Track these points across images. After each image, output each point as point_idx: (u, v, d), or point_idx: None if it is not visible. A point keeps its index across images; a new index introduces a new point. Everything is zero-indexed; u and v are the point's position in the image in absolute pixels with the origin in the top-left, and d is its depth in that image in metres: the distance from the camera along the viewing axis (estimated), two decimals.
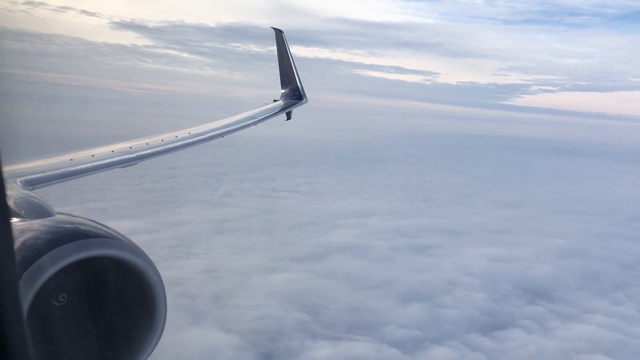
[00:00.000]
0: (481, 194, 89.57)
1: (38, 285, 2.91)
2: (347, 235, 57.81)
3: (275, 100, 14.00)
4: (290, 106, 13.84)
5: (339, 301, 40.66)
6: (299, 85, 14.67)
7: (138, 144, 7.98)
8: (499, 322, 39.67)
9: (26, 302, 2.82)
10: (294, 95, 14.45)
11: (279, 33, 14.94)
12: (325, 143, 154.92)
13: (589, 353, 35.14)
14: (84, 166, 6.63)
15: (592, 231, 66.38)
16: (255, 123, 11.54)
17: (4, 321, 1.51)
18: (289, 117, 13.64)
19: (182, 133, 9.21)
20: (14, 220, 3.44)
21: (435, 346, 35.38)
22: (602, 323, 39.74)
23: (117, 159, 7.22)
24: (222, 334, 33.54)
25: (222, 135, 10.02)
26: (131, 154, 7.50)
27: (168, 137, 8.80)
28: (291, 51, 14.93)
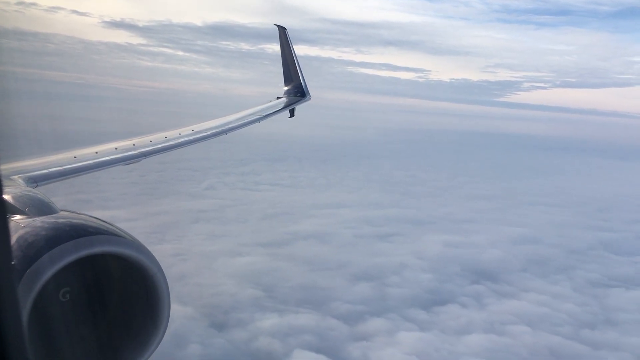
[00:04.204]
0: (458, 188, 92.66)
1: (41, 282, 2.90)
2: (316, 224, 61.14)
3: (278, 98, 14.13)
4: (293, 103, 13.78)
5: (294, 280, 44.18)
6: (302, 82, 14.49)
7: (141, 141, 8.03)
8: (439, 298, 43.07)
9: (29, 299, 2.81)
10: (297, 92, 14.35)
11: (282, 30, 14.60)
12: (319, 139, 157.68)
13: (512, 324, 38.51)
14: (87, 163, 6.67)
15: (553, 221, 69.28)
16: (258, 120, 11.48)
17: (2, 321, 1.51)
18: (292, 114, 13.61)
19: (185, 130, 9.27)
20: (18, 217, 3.44)
21: (374, 318, 38.91)
22: (533, 299, 43.07)
23: (120, 156, 7.29)
24: (177, 306, 37.10)
25: (225, 132, 10.00)
26: (134, 151, 7.55)
27: (171, 134, 8.83)
28: (294, 48, 14.72)
